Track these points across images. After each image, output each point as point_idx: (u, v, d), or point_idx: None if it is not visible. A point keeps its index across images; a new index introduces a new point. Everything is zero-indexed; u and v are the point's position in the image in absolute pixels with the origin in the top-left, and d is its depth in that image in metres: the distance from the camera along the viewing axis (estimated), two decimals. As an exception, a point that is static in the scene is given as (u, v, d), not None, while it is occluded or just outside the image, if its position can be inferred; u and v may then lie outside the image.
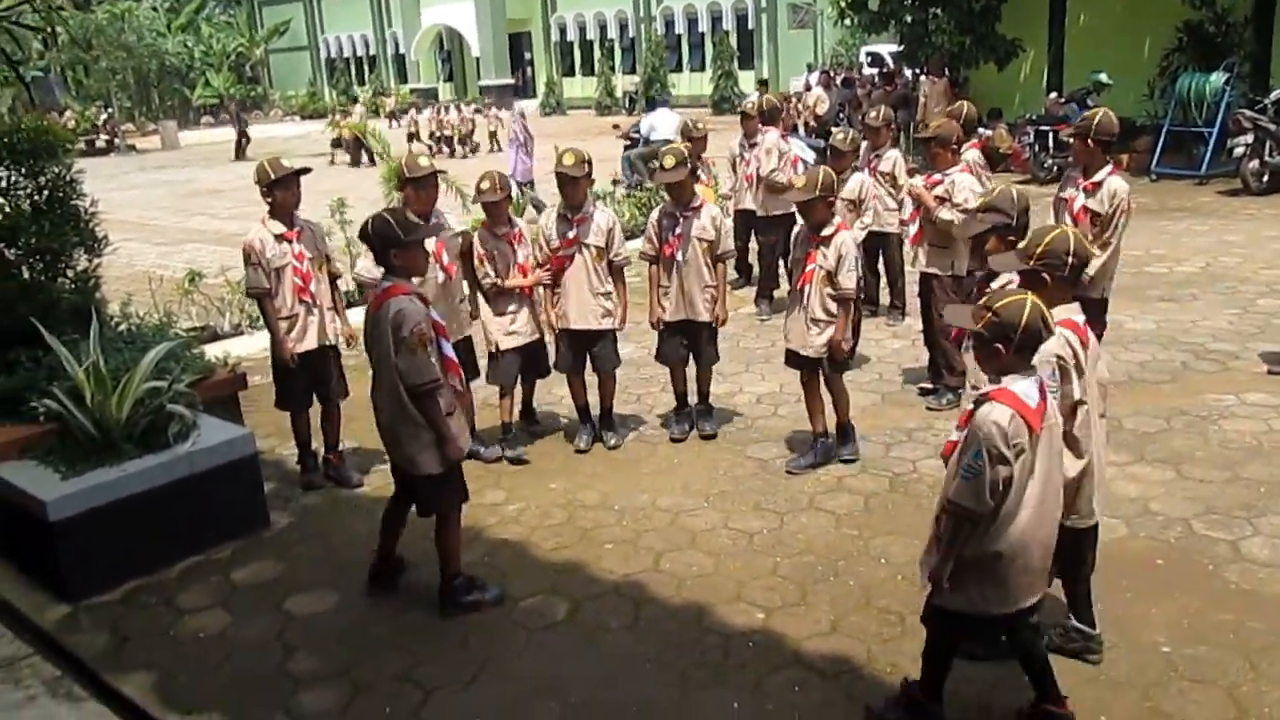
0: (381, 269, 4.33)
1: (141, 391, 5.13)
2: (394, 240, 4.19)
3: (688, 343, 6.14)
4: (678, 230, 5.94)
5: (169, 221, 18.88)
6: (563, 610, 4.47)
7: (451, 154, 26.82)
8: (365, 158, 25.44)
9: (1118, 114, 16.55)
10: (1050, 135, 15.68)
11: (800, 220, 5.73)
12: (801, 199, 5.44)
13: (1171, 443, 5.84)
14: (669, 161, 5.81)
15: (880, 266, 8.51)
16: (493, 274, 5.93)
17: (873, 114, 8.49)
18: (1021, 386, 3.17)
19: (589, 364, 6.29)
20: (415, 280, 5.42)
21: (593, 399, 6.41)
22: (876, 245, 8.21)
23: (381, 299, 4.16)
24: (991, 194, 4.64)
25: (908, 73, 21.57)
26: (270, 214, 5.52)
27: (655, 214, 6.12)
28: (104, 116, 41.51)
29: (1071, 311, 3.61)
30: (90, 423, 4.97)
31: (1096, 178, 5.76)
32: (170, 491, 5.00)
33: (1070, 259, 3.57)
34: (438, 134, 27.84)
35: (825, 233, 5.45)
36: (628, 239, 6.59)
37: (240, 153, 29.57)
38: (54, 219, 5.56)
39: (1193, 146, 15.36)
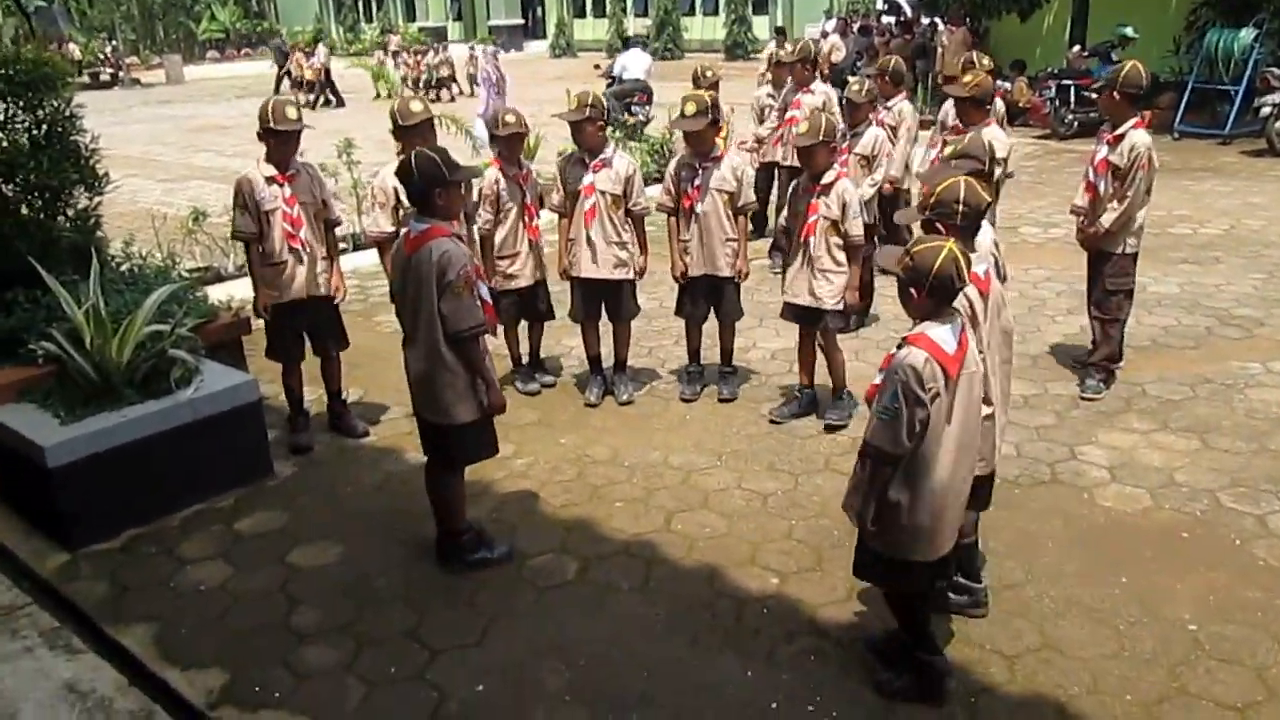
0: (414, 210, 4.10)
1: (143, 335, 5.00)
2: (441, 179, 3.97)
3: (709, 298, 5.96)
4: (697, 181, 5.74)
5: (173, 158, 18.62)
6: (572, 569, 4.36)
7: (435, 99, 25.43)
8: (334, 100, 24.95)
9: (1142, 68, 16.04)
10: (1072, 90, 15.36)
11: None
12: (805, 144, 5.29)
13: (1196, 411, 5.70)
14: (689, 109, 5.59)
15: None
16: (490, 216, 5.81)
17: (855, 86, 7.47)
18: (939, 332, 3.20)
19: (603, 313, 6.17)
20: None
21: (605, 350, 6.29)
22: (885, 204, 7.99)
23: (420, 241, 3.94)
24: (964, 140, 4.53)
25: (925, 21, 21.12)
26: (266, 157, 5.26)
27: (673, 164, 5.92)
28: (108, 49, 40.96)
29: (975, 261, 3.59)
30: (90, 366, 4.83)
31: (1120, 130, 5.78)
32: (172, 438, 4.89)
33: (960, 207, 3.59)
34: (415, 77, 26.84)
35: (825, 180, 5.32)
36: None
37: (278, 88, 29.01)
38: (53, 155, 5.37)
39: (1217, 104, 15.04)
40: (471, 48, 18.25)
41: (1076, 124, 15.29)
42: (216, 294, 7.43)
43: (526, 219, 5.89)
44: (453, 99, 25.60)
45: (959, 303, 3.46)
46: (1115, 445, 5.33)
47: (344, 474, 5.33)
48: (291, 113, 5.27)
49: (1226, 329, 7.00)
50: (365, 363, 6.71)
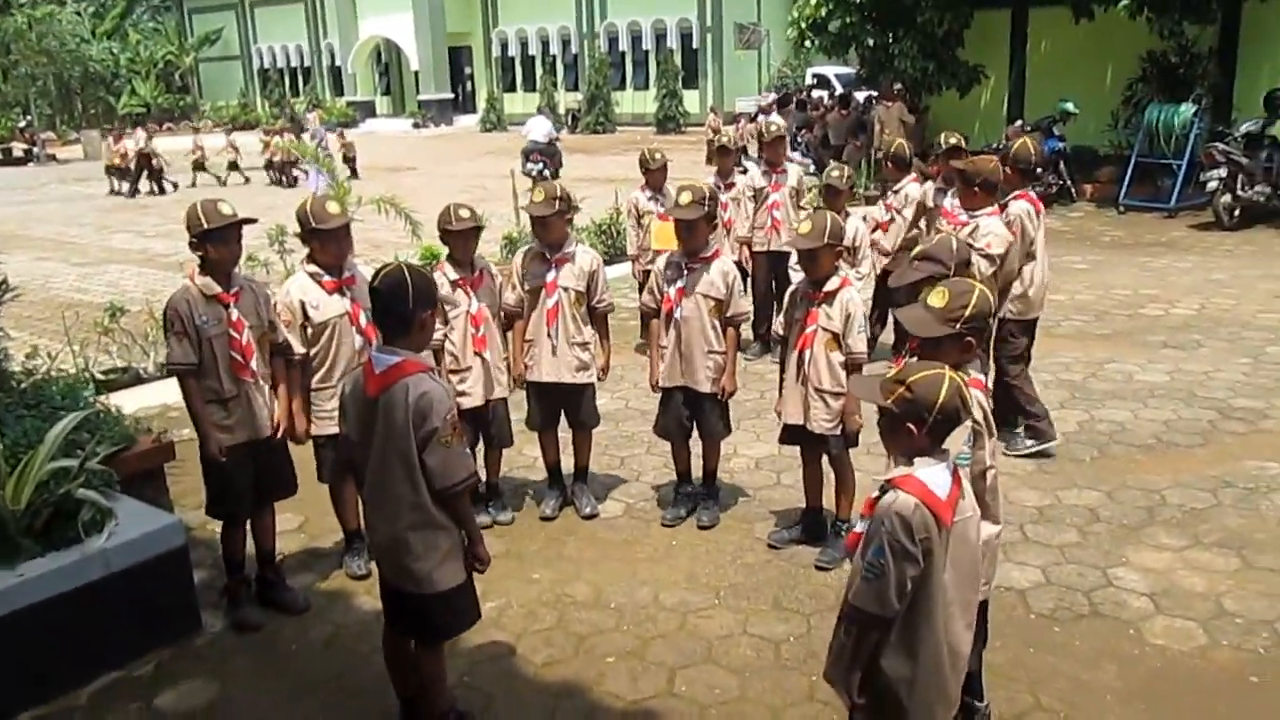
0: (383, 338, 3.44)
1: (45, 474, 4.26)
2: (432, 299, 3.40)
3: (689, 413, 5.36)
4: (680, 283, 5.18)
5: (90, 239, 17.71)
6: (565, 753, 3.70)
7: (281, 182, 24.00)
8: (157, 187, 23.91)
9: (1081, 143, 16.27)
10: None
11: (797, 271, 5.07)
12: (806, 246, 4.72)
13: (1226, 522, 5.24)
14: (684, 198, 5.03)
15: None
16: (441, 328, 5.08)
17: (835, 173, 7.10)
18: (930, 474, 2.75)
19: (563, 419, 5.60)
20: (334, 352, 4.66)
21: (566, 460, 5.72)
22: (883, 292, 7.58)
23: (391, 378, 3.27)
24: (931, 241, 4.09)
25: (859, 96, 21.19)
26: (201, 269, 4.37)
27: (661, 261, 5.36)
28: (23, 124, 39.68)
29: (977, 369, 3.36)
30: (-20, 514, 4.08)
31: (1005, 200, 5.94)
32: (80, 597, 4.12)
33: (992, 321, 3.38)
34: (269, 159, 24.67)
35: (829, 288, 4.75)
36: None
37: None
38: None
39: (1159, 178, 15.13)
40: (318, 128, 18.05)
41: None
42: (136, 399, 6.68)
43: (474, 329, 5.19)
44: (292, 183, 23.58)
45: (977, 414, 3.13)
46: (1150, 567, 4.84)
47: (285, 627, 4.58)
48: (334, 208, 4.61)
49: (1230, 423, 6.62)
50: (303, 479, 5.98)
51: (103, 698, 4.11)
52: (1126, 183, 15.03)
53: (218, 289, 4.35)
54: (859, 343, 4.75)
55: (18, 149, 35.29)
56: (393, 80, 47.16)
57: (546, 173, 20.65)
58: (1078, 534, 5.18)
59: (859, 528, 2.91)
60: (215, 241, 4.28)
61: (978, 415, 3.17)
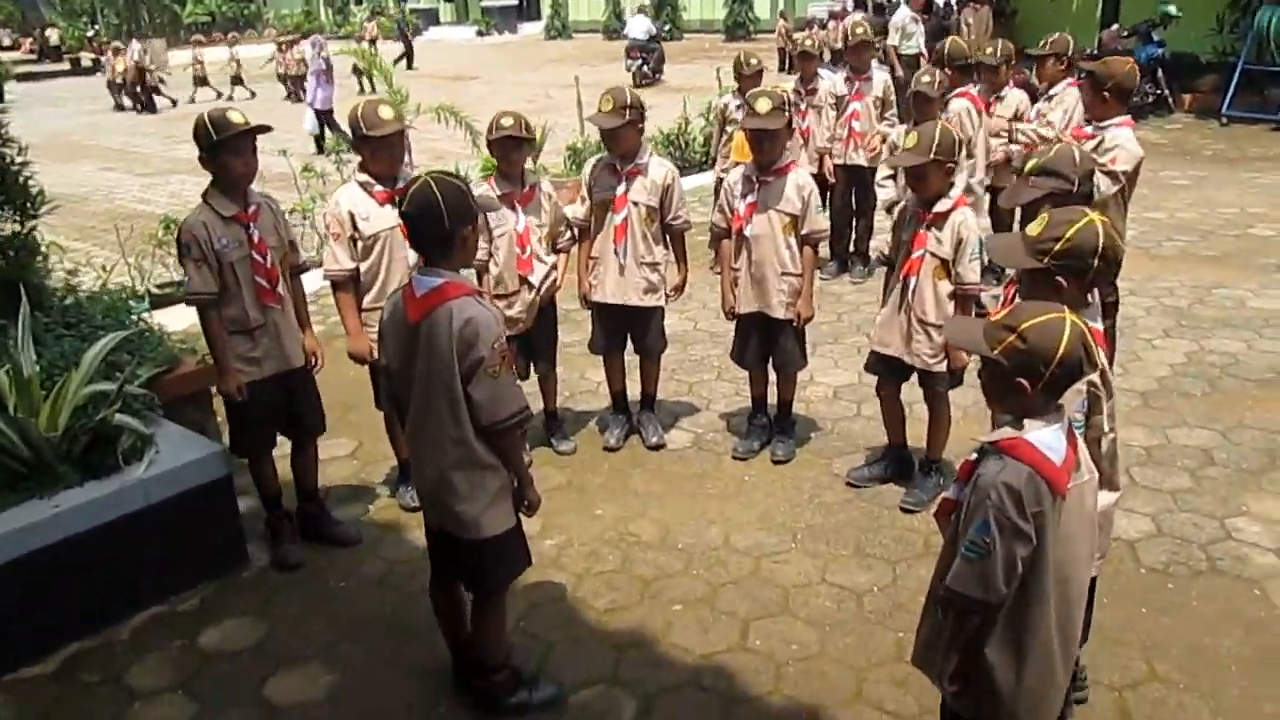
0: (419, 255, 3.09)
1: (82, 397, 4.02)
2: (470, 213, 2.98)
3: (763, 340, 4.95)
4: (751, 197, 4.74)
5: (153, 149, 17.62)
6: (629, 712, 3.40)
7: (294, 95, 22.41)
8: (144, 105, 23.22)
9: (1181, 49, 15.17)
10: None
11: (898, 193, 4.58)
12: (912, 162, 4.21)
13: (1369, 472, 4.75)
14: (762, 105, 4.55)
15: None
16: (485, 247, 4.65)
17: (989, 49, 7.18)
18: (1044, 435, 2.35)
19: (629, 344, 5.24)
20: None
21: (633, 386, 5.39)
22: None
23: (431, 303, 2.93)
24: (1048, 153, 3.51)
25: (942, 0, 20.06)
26: (214, 187, 3.96)
27: (735, 174, 4.91)
28: (90, 33, 39.71)
29: (1091, 316, 2.79)
30: (14, 440, 3.86)
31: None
32: (120, 529, 3.91)
33: (1095, 261, 2.73)
34: (283, 73, 23.45)
35: (940, 208, 4.25)
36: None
37: (409, 62, 28.84)
38: (-35, 172, 4.35)
39: (1266, 87, 14.07)
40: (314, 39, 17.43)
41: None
42: (190, 314, 6.47)
43: (519, 250, 4.76)
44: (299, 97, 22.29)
45: (1093, 374, 2.62)
46: (1274, 517, 4.38)
47: (336, 562, 4.35)
48: (386, 112, 4.21)
49: (1358, 355, 6.04)
50: (361, 404, 5.70)
51: (145, 634, 3.91)
52: (1231, 92, 14.00)
53: (235, 208, 3.98)
54: (970, 272, 4.25)
55: (86, 59, 35.28)
56: (456, -14, 46.24)
57: (647, 69, 22.68)
58: (1190, 478, 4.72)
59: (951, 492, 2.53)
60: (228, 153, 3.90)
61: (1093, 375, 2.69)
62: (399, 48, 29.97)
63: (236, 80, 24.75)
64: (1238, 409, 5.40)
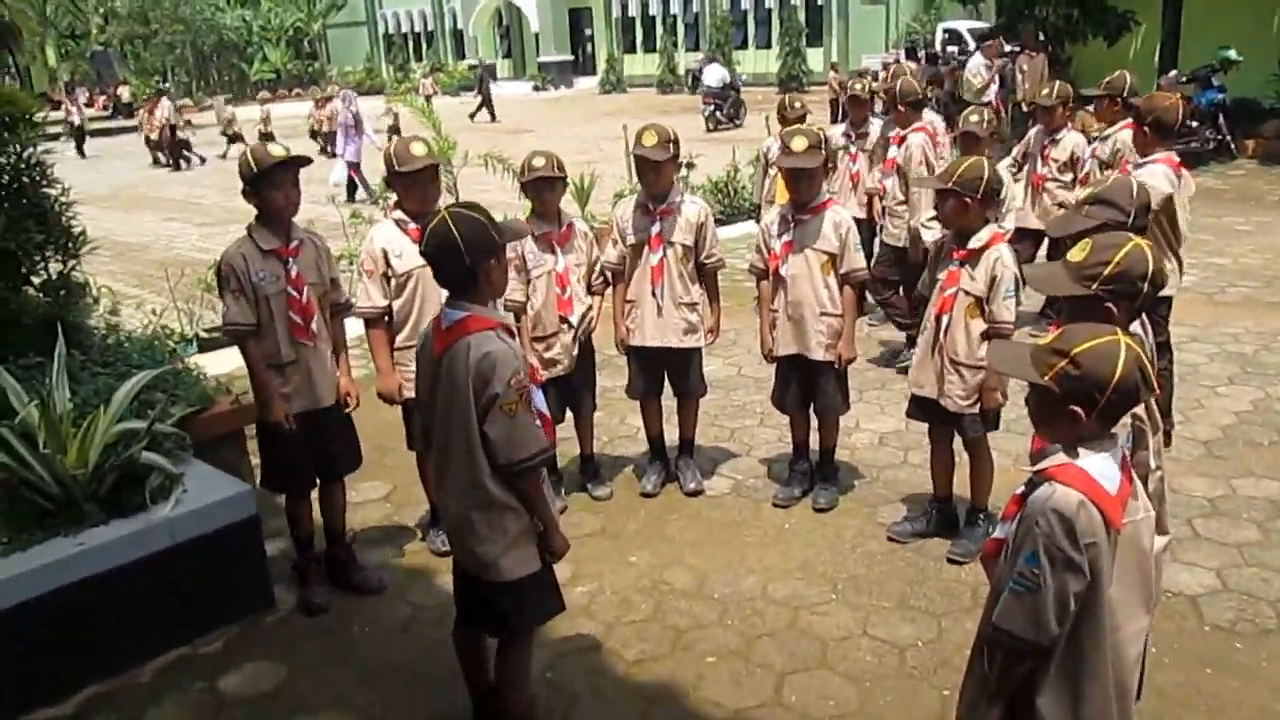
0: (446, 291, 2.98)
1: (112, 435, 3.99)
2: (491, 246, 2.87)
3: (803, 384, 4.82)
4: (787, 236, 4.63)
5: (214, 200, 17.96)
6: (656, 769, 3.25)
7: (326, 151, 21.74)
8: (176, 161, 23.04)
9: (1243, 94, 14.92)
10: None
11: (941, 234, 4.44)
12: (932, 187, 4.13)
13: None
14: (797, 144, 4.47)
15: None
16: (521, 288, 4.61)
17: (1045, 90, 7.13)
18: (1098, 463, 2.19)
19: (667, 387, 5.12)
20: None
21: (670, 431, 5.26)
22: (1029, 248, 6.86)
23: (454, 335, 2.86)
24: (1104, 182, 3.35)
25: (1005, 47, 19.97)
26: (258, 221, 3.99)
27: (771, 213, 4.81)
28: (160, 90, 41.08)
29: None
30: (44, 476, 3.84)
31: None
32: (145, 568, 3.86)
33: (1145, 286, 2.63)
34: (315, 128, 23.21)
35: (974, 245, 4.10)
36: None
37: (490, 113, 29.68)
38: (10, 213, 4.38)
39: (1332, 133, 13.72)
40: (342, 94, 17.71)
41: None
42: (236, 358, 6.50)
43: (559, 290, 4.70)
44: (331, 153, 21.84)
45: (1138, 407, 2.49)
46: (1348, 573, 4.12)
47: (362, 607, 4.25)
48: (419, 149, 4.21)
49: None
50: (396, 446, 5.64)
51: (167, 676, 3.84)
52: (1297, 138, 13.66)
53: (276, 242, 3.97)
54: (1004, 311, 4.09)
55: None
56: (513, 43, 47.06)
57: (721, 115, 23.37)
58: (1258, 531, 4.47)
59: (998, 532, 2.37)
60: (269, 186, 3.90)
61: (1139, 408, 2.55)
62: (459, 101, 30.54)
63: (267, 137, 25.01)
64: (1308, 459, 5.13)
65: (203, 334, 7.70)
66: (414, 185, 4.21)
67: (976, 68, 14.32)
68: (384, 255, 4.26)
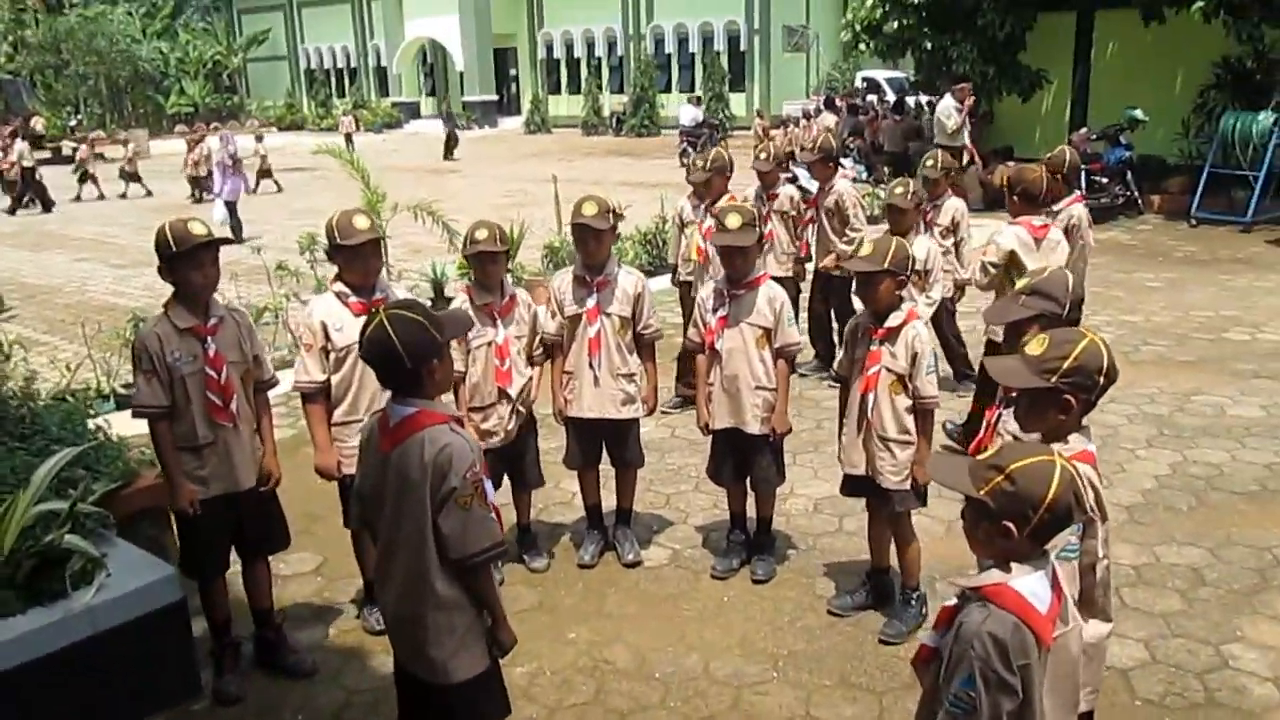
0: (390, 388, 2.92)
1: (30, 518, 3.82)
2: (433, 348, 2.83)
3: (739, 457, 4.84)
4: (722, 312, 4.67)
5: (129, 240, 17.47)
6: None
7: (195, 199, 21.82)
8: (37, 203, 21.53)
9: (1149, 152, 15.48)
10: (1082, 174, 14.64)
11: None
12: (865, 269, 4.15)
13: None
14: (731, 221, 4.52)
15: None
16: (460, 357, 4.51)
17: (929, 162, 7.10)
18: (1029, 583, 2.26)
19: (605, 457, 5.11)
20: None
21: (607, 498, 5.25)
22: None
23: (405, 431, 2.81)
24: (1041, 274, 3.51)
25: (919, 101, 20.53)
26: (175, 298, 3.86)
27: (706, 289, 4.85)
28: (73, 123, 40.01)
29: (1083, 441, 2.77)
30: (-44, 564, 3.66)
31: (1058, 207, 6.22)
32: (64, 659, 3.67)
33: (1101, 380, 2.76)
34: (190, 173, 22.12)
35: (892, 323, 4.18)
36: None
37: (449, 152, 29.77)
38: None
39: (1232, 189, 14.35)
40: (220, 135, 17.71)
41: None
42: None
43: (498, 361, 4.63)
44: (197, 200, 21.73)
45: (1087, 497, 2.53)
46: (1269, 643, 4.25)
47: (291, 692, 4.12)
48: (361, 222, 4.10)
49: (1343, 468, 5.98)
50: (326, 515, 5.52)
51: (86, 773, 3.67)
52: (1199, 194, 14.26)
53: (193, 320, 3.85)
54: (928, 385, 4.18)
55: (67, 147, 35.45)
56: (438, 81, 46.98)
57: (691, 153, 24.30)
58: (1181, 600, 4.60)
59: (928, 640, 2.43)
60: (187, 266, 3.78)
61: (1089, 500, 2.63)
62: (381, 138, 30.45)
63: (131, 177, 23.68)
64: (1225, 524, 5.30)
65: (120, 390, 7.45)
66: (356, 258, 4.14)
67: (949, 109, 14.52)
68: (323, 329, 4.17)
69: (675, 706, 3.94)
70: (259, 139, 16.69)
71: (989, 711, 2.19)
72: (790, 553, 5.13)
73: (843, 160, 13.78)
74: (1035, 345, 2.79)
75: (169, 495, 3.94)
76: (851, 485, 4.49)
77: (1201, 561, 4.92)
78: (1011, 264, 5.51)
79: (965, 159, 14.40)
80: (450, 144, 30.32)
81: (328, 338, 4.18)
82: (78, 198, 22.93)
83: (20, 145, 22.45)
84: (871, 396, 4.24)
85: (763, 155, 7.45)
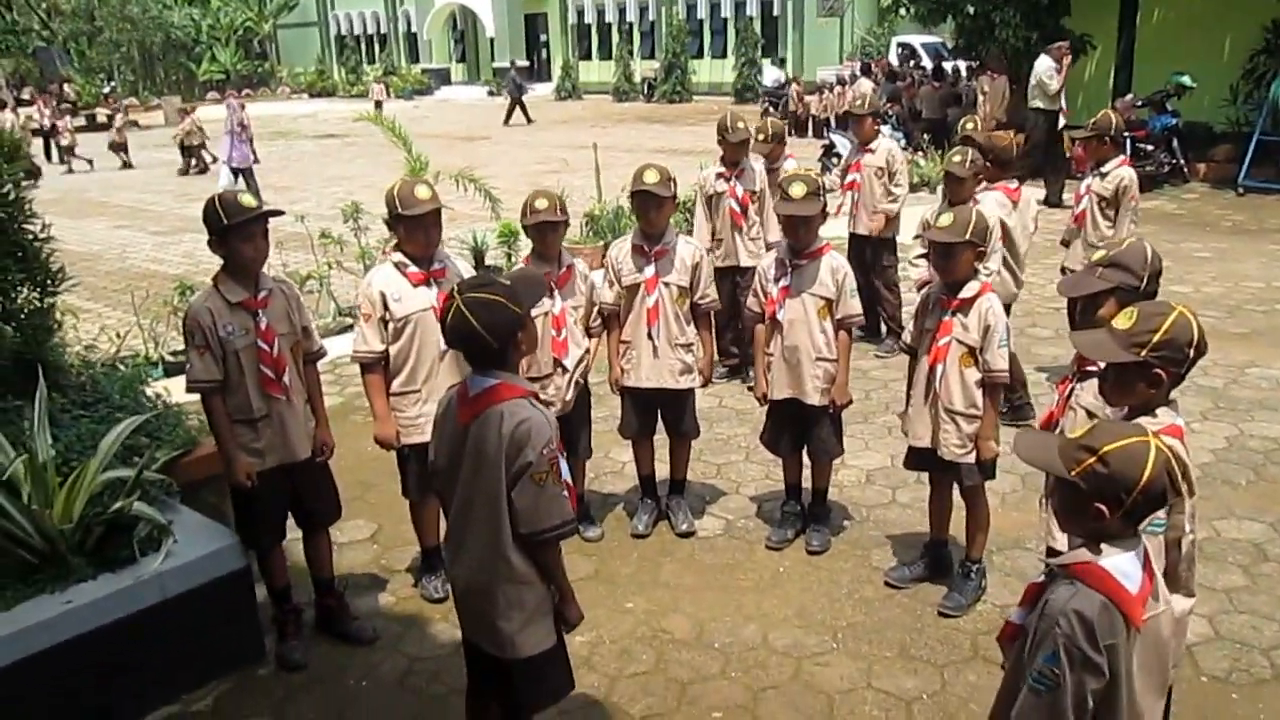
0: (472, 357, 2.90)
1: (98, 485, 3.88)
2: (516, 321, 2.81)
3: (797, 428, 4.81)
4: (784, 282, 4.63)
5: (166, 207, 17.61)
6: (671, 836, 3.21)
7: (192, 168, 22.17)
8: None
9: (1195, 118, 15.10)
10: (1127, 142, 14.38)
11: (929, 273, 4.48)
12: (947, 239, 4.06)
13: None
14: (796, 190, 4.46)
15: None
16: None
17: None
18: (1121, 562, 2.21)
19: (660, 426, 5.10)
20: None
21: (660, 468, 5.25)
22: None
23: (484, 403, 2.80)
24: (1119, 245, 3.42)
25: (957, 67, 20.21)
26: (225, 272, 3.87)
27: (768, 259, 4.81)
28: (106, 90, 40.20)
29: (1170, 415, 2.75)
30: (28, 530, 3.70)
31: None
32: (134, 625, 3.74)
33: (1193, 352, 2.70)
34: (182, 142, 22.04)
35: (966, 294, 4.11)
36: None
37: (510, 118, 30.00)
38: (-10, 253, 4.24)
39: (1280, 157, 14.06)
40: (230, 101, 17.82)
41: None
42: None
43: (555, 332, 4.59)
44: (204, 169, 22.07)
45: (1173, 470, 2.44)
46: (1335, 620, 4.20)
47: (355, 659, 4.16)
48: (423, 192, 4.08)
49: None
50: (380, 482, 5.58)
51: (157, 735, 3.74)
52: (1247, 162, 13.97)
53: (244, 294, 3.85)
54: (999, 359, 4.11)
55: (101, 115, 35.64)
56: (468, 47, 46.88)
57: (774, 112, 23.59)
58: (1244, 575, 4.54)
59: (1015, 617, 2.39)
60: (238, 239, 3.77)
61: (1177, 476, 2.59)
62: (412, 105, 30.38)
63: (119, 147, 23.43)
64: (1286, 499, 5.23)
65: (168, 357, 7.52)
66: (417, 229, 4.11)
67: (1049, 70, 13.86)
68: (382, 299, 4.17)
69: (736, 677, 3.95)
70: (242, 107, 16.91)
71: (1073, 689, 2.17)
72: (844, 524, 5.11)
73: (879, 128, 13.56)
74: (1123, 319, 2.74)
75: (225, 469, 3.94)
76: (916, 458, 4.45)
77: (1263, 536, 4.86)
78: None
79: (1061, 123, 13.97)
80: (515, 108, 30.41)
81: (386, 308, 4.18)
82: (185, 170, 22.36)
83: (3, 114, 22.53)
84: (940, 368, 4.19)
85: (760, 136, 7.17)
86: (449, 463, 2.93)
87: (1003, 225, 5.79)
